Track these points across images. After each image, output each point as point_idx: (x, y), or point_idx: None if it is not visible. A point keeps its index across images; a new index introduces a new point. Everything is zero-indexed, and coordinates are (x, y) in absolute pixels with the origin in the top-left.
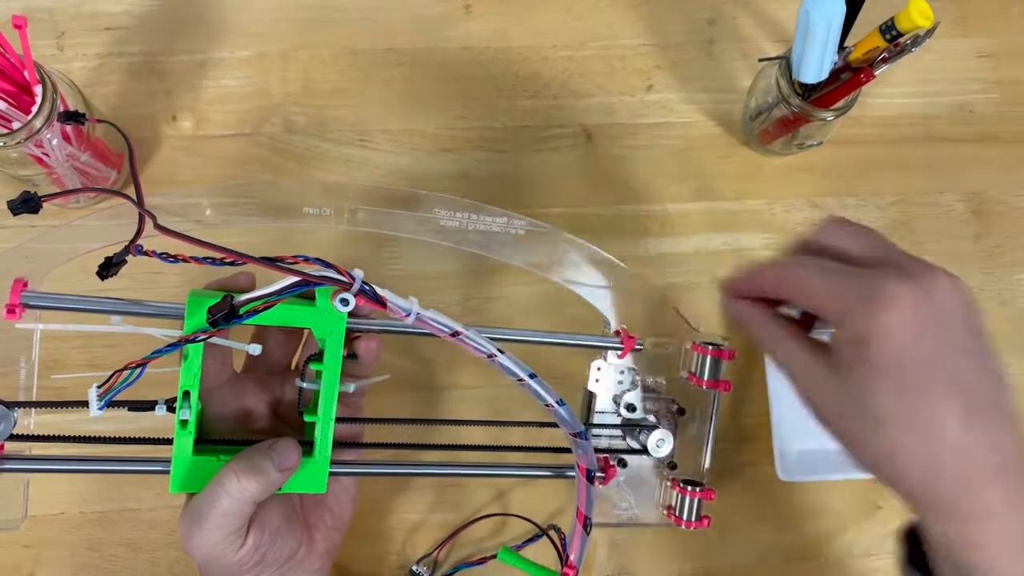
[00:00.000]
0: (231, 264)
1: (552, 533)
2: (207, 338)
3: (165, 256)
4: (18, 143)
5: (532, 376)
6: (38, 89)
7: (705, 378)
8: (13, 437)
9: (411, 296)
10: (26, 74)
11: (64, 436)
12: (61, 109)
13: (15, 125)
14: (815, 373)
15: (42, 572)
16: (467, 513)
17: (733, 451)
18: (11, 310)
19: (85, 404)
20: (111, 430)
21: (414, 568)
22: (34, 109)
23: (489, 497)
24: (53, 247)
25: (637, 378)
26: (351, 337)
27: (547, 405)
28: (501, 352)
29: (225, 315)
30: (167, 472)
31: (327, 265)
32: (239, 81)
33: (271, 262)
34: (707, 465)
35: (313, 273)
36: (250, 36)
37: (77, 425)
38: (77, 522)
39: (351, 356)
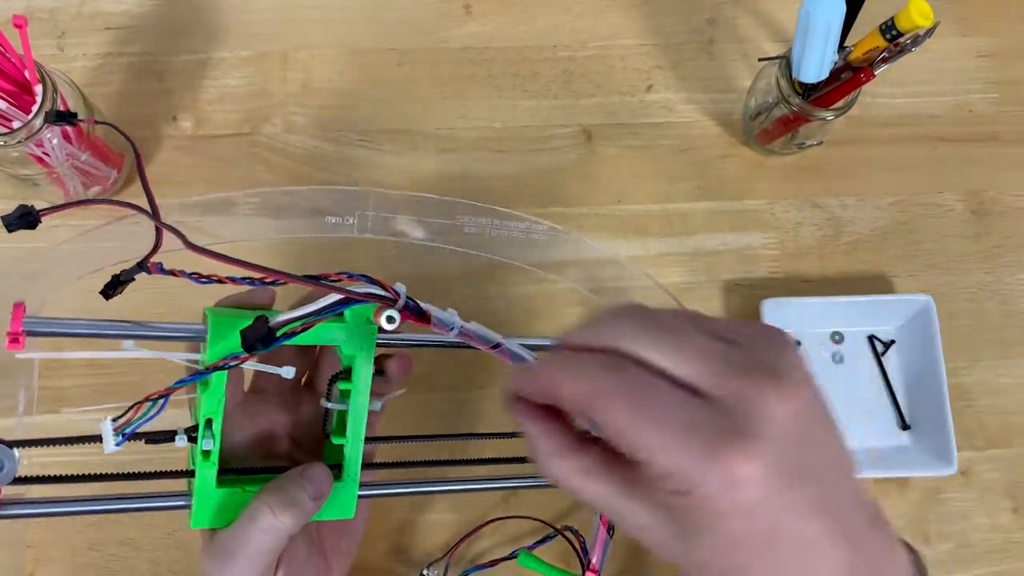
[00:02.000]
0: (272, 284)
1: (568, 534)
2: (240, 364)
3: (197, 277)
4: (18, 142)
5: None
6: (38, 89)
7: None
8: (16, 480)
9: (449, 308)
10: (26, 74)
11: (68, 476)
12: (61, 108)
13: (15, 124)
14: (643, 520)
15: (43, 572)
16: (474, 511)
17: None
18: (14, 339)
19: (97, 440)
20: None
21: (425, 572)
22: (34, 109)
23: (496, 497)
24: (61, 264)
25: None
26: (380, 355)
27: None
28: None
29: (263, 339)
30: (187, 507)
31: (371, 281)
32: (239, 81)
33: (314, 280)
34: None
35: (357, 290)
36: (250, 36)
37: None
38: (78, 522)
39: (378, 373)
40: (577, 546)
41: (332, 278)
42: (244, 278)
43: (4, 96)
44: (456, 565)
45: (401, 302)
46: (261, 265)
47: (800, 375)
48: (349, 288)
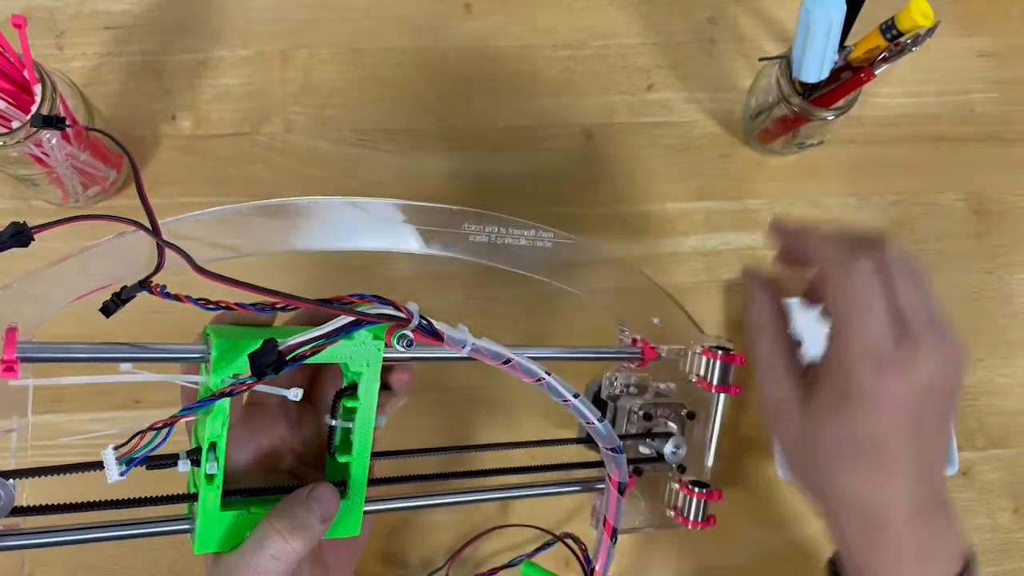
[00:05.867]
0: (283, 309)
1: (569, 541)
2: (247, 389)
3: (204, 303)
4: (17, 143)
5: (576, 395)
6: (37, 88)
7: (715, 383)
8: (13, 511)
9: (460, 324)
10: (25, 73)
11: (66, 505)
12: (60, 108)
13: (15, 124)
14: (789, 388)
15: (41, 572)
16: (468, 513)
17: (734, 451)
18: (8, 367)
19: (98, 467)
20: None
21: None
22: (33, 108)
23: (494, 504)
24: (58, 284)
25: (651, 384)
26: (383, 367)
27: (588, 423)
28: (548, 374)
29: (273, 365)
30: (189, 531)
31: (384, 302)
32: (238, 80)
33: (327, 303)
34: (710, 465)
35: (369, 311)
36: (249, 35)
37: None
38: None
39: (382, 387)
40: (579, 553)
41: (344, 300)
42: (255, 304)
43: (3, 96)
44: (454, 573)
45: (414, 322)
46: (272, 289)
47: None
48: (361, 310)
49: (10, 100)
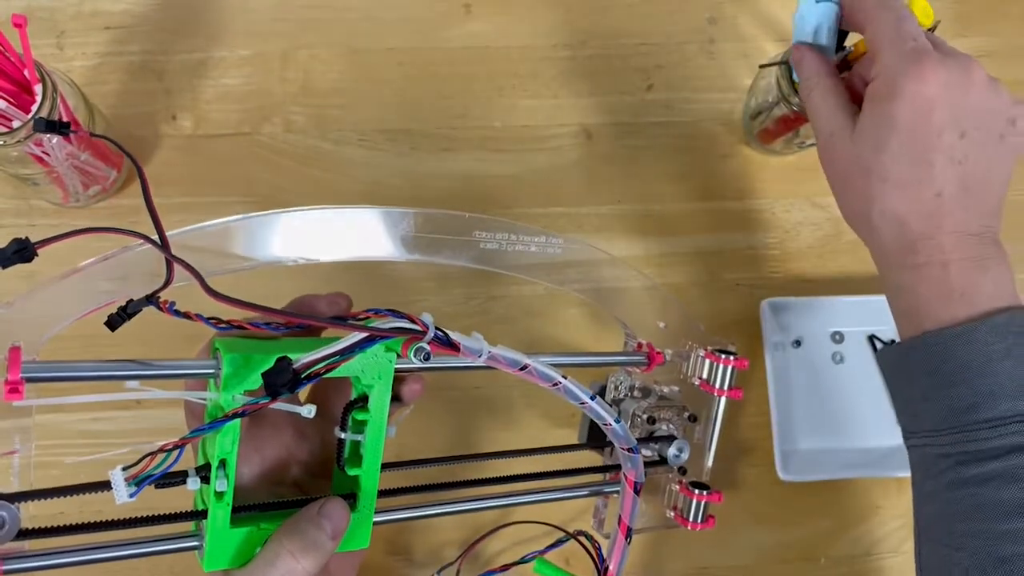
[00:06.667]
0: (297, 328)
1: (583, 539)
2: (261, 408)
3: (215, 322)
4: (18, 142)
5: (593, 398)
6: (38, 88)
7: (717, 385)
8: (19, 534)
9: (475, 332)
10: (26, 73)
11: (72, 526)
12: (61, 108)
13: (15, 124)
14: (839, 120)
15: (41, 572)
16: (476, 514)
17: (734, 451)
18: (13, 388)
19: (106, 488)
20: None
21: None
22: (34, 108)
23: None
24: (63, 300)
25: (656, 387)
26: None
27: (605, 424)
28: (565, 378)
29: (288, 384)
30: (197, 548)
31: (399, 315)
32: (239, 80)
33: (342, 321)
34: (710, 466)
35: (383, 326)
36: (250, 35)
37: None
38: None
39: (393, 399)
40: (593, 552)
41: (359, 316)
42: (268, 323)
43: (4, 96)
44: (464, 569)
45: (430, 334)
46: (286, 311)
47: (972, 69)
48: (375, 326)
49: (11, 100)
